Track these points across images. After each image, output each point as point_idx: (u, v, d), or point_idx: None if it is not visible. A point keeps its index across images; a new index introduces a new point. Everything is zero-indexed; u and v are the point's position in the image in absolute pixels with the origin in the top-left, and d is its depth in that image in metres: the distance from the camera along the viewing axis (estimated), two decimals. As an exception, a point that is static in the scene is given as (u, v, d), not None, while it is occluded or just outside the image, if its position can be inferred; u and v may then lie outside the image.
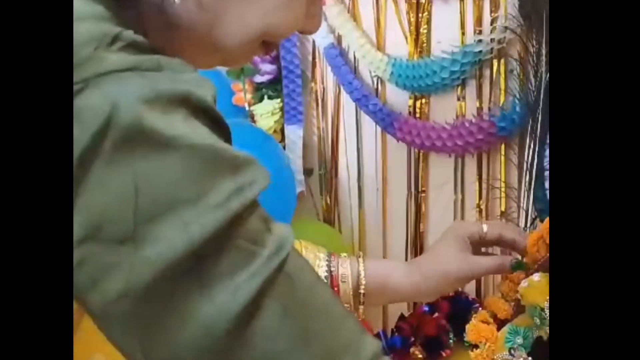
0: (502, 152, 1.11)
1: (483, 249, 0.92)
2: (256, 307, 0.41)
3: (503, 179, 1.09)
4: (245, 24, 0.51)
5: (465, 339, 0.93)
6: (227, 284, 0.40)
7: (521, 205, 1.03)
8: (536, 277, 0.82)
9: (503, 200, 1.10)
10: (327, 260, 0.83)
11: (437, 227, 1.24)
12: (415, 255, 1.28)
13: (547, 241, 0.82)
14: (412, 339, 1.06)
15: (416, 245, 1.27)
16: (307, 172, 1.40)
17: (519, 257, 0.85)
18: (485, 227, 0.88)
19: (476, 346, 0.89)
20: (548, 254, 0.83)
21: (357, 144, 1.33)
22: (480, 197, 1.15)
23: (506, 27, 1.04)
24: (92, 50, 0.40)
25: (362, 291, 0.82)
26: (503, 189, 1.09)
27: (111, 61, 0.40)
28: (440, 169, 1.21)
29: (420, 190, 1.24)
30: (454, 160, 1.18)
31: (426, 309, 1.12)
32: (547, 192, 1.01)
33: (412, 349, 1.04)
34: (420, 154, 1.22)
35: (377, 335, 1.07)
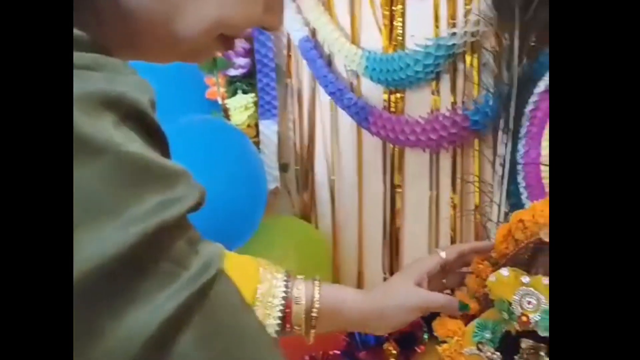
0: (476, 147, 1.09)
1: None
2: (173, 331, 0.37)
3: (477, 174, 1.08)
4: (201, 15, 0.50)
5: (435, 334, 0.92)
6: (142, 306, 0.36)
7: (494, 199, 1.01)
8: (504, 271, 0.82)
9: (477, 194, 1.09)
10: (284, 281, 0.82)
11: (412, 222, 1.23)
12: (391, 251, 1.27)
13: (515, 236, 0.81)
14: (386, 335, 1.05)
15: (392, 241, 1.26)
16: (283, 167, 1.38)
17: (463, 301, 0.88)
18: (443, 254, 0.91)
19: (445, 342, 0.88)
20: (516, 249, 0.82)
21: (332, 139, 1.31)
22: (454, 192, 1.14)
23: (479, 20, 1.03)
24: None
25: (314, 314, 0.82)
26: (477, 184, 1.08)
27: None
28: (416, 164, 1.20)
29: (395, 185, 1.23)
30: (428, 155, 1.17)
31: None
32: (520, 187, 1.00)
33: (385, 345, 1.03)
34: (396, 149, 1.21)
35: (351, 333, 1.06)
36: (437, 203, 1.18)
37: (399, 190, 1.23)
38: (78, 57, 0.39)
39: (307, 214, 1.39)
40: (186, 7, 0.50)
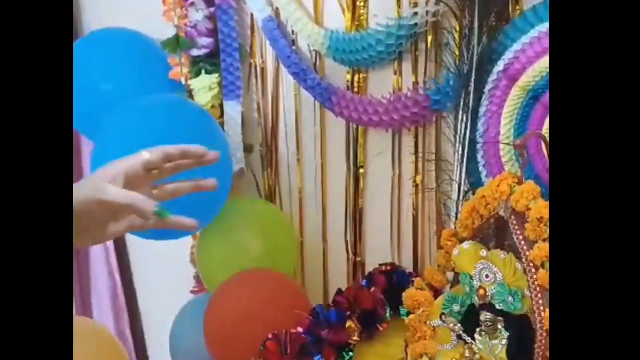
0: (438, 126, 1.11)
1: None
2: None
3: (437, 152, 1.10)
4: None
5: (402, 308, 0.94)
6: None
7: (454, 178, 1.03)
8: (466, 244, 0.84)
9: (433, 173, 1.11)
10: None
11: (375, 201, 1.24)
12: (355, 230, 1.28)
13: (480, 211, 0.83)
14: (348, 312, 1.06)
15: (355, 220, 1.27)
16: (248, 148, 1.38)
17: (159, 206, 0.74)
18: (147, 154, 0.78)
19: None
20: (480, 223, 0.84)
21: (296, 119, 1.32)
22: (416, 171, 1.16)
23: (435, 11, 1.04)
24: None
25: None
26: (432, 165, 1.10)
27: None
28: (378, 143, 1.21)
29: (358, 165, 1.24)
30: (391, 135, 1.18)
31: (363, 283, 1.13)
32: (480, 165, 1.02)
33: (347, 323, 1.04)
34: (359, 129, 1.22)
35: (314, 310, 1.07)
36: (400, 182, 1.20)
37: (361, 170, 1.24)
38: None
39: (272, 194, 1.39)
40: None
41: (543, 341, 0.80)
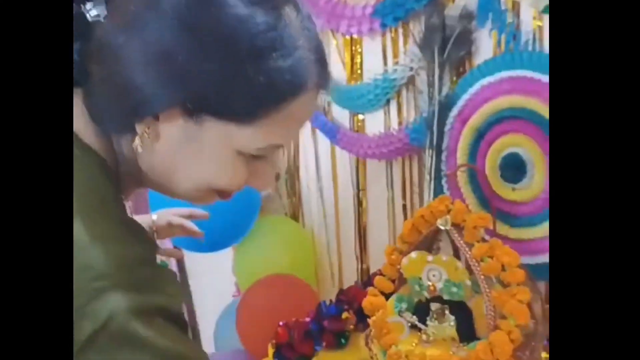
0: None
1: None
2: None
3: (413, 180, 1.37)
4: (191, 178, 0.64)
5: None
6: None
7: (425, 199, 1.30)
8: (413, 254, 1.10)
9: (416, 195, 1.38)
10: None
11: (375, 217, 1.52)
12: (360, 243, 1.56)
13: (419, 228, 1.09)
14: (346, 307, 1.34)
15: (360, 235, 1.55)
16: (275, 176, 1.68)
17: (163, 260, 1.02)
18: (154, 217, 1.05)
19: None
20: (420, 238, 1.10)
21: (313, 152, 1.62)
22: (404, 193, 1.43)
23: (412, 59, 1.31)
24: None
25: None
26: (414, 188, 1.37)
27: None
28: (375, 171, 1.49)
29: (360, 188, 1.52)
30: (385, 164, 1.46)
31: (360, 284, 1.41)
32: (444, 189, 1.28)
33: (344, 314, 1.32)
34: (359, 160, 1.51)
35: (319, 305, 1.35)
36: (393, 201, 1.47)
37: (363, 192, 1.52)
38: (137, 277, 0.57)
39: (296, 214, 1.69)
40: (179, 170, 0.64)
41: (492, 313, 1.04)
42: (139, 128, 0.62)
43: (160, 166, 0.64)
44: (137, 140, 0.62)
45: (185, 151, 0.62)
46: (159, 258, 0.96)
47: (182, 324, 0.59)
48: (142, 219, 1.02)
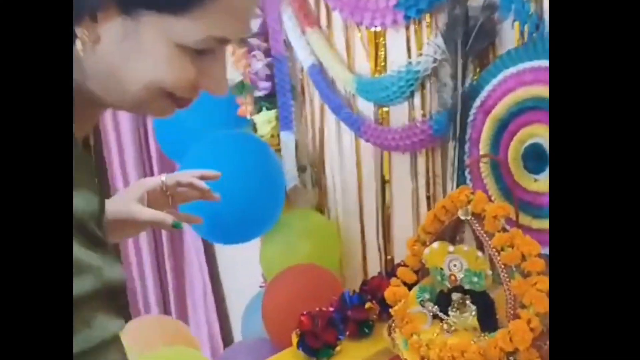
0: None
1: None
2: None
3: (437, 171, 1.38)
4: (137, 79, 0.63)
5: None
6: None
7: (448, 190, 1.31)
8: (435, 245, 1.11)
9: (439, 187, 1.38)
10: None
11: (399, 209, 1.53)
12: (384, 234, 1.57)
13: (440, 218, 1.10)
14: (369, 297, 1.36)
15: (384, 226, 1.56)
16: (301, 169, 1.70)
17: (175, 220, 1.00)
18: (164, 178, 1.05)
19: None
20: (441, 227, 1.11)
21: (338, 145, 1.63)
22: (428, 188, 1.44)
23: (436, 50, 1.32)
24: None
25: None
26: (440, 179, 1.37)
27: None
28: (399, 163, 1.50)
29: (385, 180, 1.54)
30: (409, 156, 1.47)
31: (384, 275, 1.42)
32: (467, 180, 1.29)
33: (367, 304, 1.33)
34: (383, 152, 1.52)
35: (342, 294, 1.37)
36: (417, 193, 1.48)
37: (387, 184, 1.53)
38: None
39: (321, 206, 1.71)
40: (124, 71, 0.63)
41: (512, 302, 1.05)
42: (78, 31, 0.61)
43: (105, 70, 0.63)
44: (78, 44, 0.61)
45: (126, 49, 0.61)
46: (175, 218, 0.99)
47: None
48: (152, 181, 1.03)
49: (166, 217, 0.99)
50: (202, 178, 1.09)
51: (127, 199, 0.99)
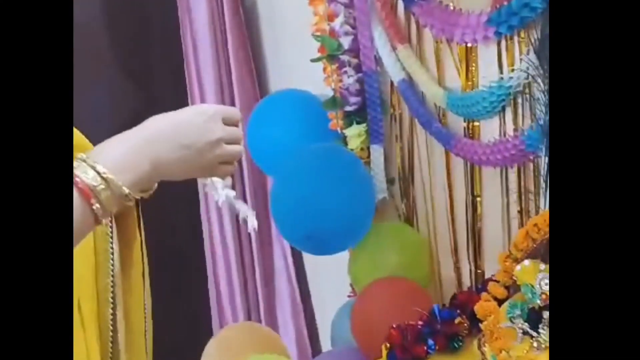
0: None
1: None
2: None
3: (528, 186, 1.36)
4: None
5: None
6: None
7: (540, 205, 1.29)
8: (526, 262, 1.11)
9: (531, 202, 1.37)
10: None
11: (490, 224, 1.52)
12: (475, 249, 1.57)
13: (532, 236, 1.10)
14: (459, 311, 1.36)
15: (474, 241, 1.56)
16: (390, 181, 1.73)
17: None
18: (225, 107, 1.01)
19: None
20: (533, 245, 1.11)
21: (428, 158, 1.64)
22: (520, 203, 1.42)
23: (528, 66, 1.31)
24: None
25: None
26: (532, 195, 1.36)
27: None
28: (490, 177, 1.49)
29: (475, 195, 1.53)
30: (499, 171, 1.46)
31: (474, 290, 1.42)
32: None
33: (457, 319, 1.34)
34: (474, 166, 1.52)
35: (432, 309, 1.38)
36: (508, 208, 1.47)
37: (478, 198, 1.53)
38: None
39: (410, 219, 1.72)
40: None
41: None
42: None
43: None
44: None
45: None
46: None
47: None
48: (222, 108, 0.97)
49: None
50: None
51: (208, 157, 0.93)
